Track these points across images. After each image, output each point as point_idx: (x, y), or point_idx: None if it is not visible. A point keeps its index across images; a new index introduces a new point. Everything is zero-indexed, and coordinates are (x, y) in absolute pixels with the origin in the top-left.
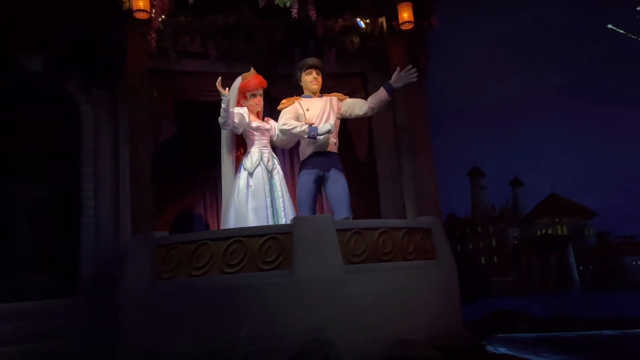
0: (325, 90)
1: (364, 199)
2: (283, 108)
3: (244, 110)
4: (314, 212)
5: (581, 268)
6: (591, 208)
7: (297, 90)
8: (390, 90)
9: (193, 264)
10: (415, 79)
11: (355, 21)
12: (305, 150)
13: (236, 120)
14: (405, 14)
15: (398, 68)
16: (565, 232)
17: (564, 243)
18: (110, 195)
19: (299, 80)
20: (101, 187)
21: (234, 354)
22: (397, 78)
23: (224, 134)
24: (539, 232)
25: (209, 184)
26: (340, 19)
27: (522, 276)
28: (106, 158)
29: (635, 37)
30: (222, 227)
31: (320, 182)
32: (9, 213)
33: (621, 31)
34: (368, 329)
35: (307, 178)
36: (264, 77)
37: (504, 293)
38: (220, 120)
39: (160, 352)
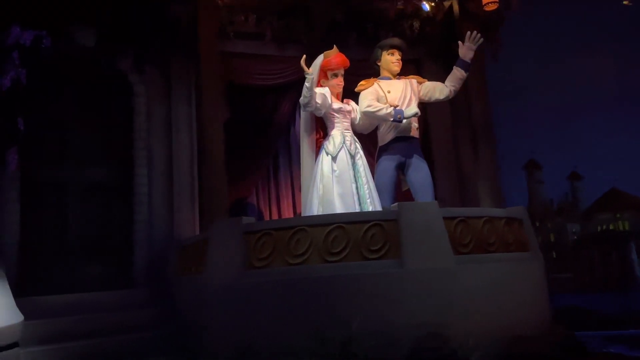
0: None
1: None
2: (362, 90)
3: (325, 91)
4: (395, 200)
5: None
6: None
7: (353, 76)
8: (465, 66)
9: (290, 251)
10: (482, 41)
11: (420, 4)
12: (386, 135)
13: (319, 101)
14: None
15: (460, 43)
16: (626, 227)
17: (625, 239)
18: (164, 180)
19: (377, 59)
20: (154, 172)
21: (351, 349)
22: (466, 50)
23: (304, 116)
24: (599, 228)
25: (262, 173)
26: (402, 2)
27: (582, 273)
28: (160, 141)
29: None
30: (303, 214)
31: (401, 169)
32: (61, 197)
33: None
34: (481, 323)
35: (388, 164)
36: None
37: (563, 290)
38: (303, 100)
39: (257, 348)
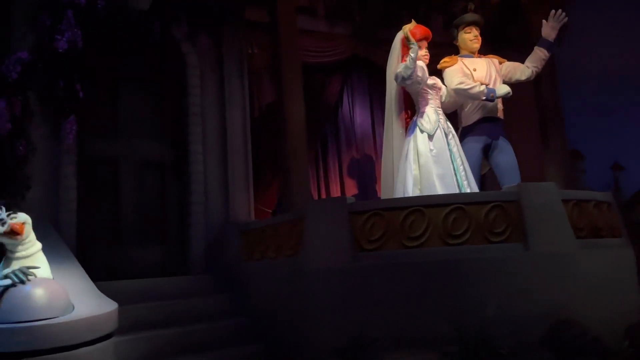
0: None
1: None
2: (447, 67)
3: (422, 65)
4: (481, 182)
5: None
6: None
7: None
8: (548, 46)
9: (406, 233)
10: (566, 20)
11: None
12: (472, 115)
13: (419, 74)
14: None
15: (543, 21)
16: None
17: None
18: (218, 159)
19: (454, 39)
20: (209, 150)
21: (487, 338)
22: (550, 29)
23: (394, 92)
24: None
25: (311, 156)
26: None
27: None
28: (213, 116)
29: None
30: (388, 196)
31: (486, 151)
32: (114, 174)
33: None
34: (605, 310)
35: (474, 145)
36: (366, 42)
37: None
38: (406, 72)
39: (372, 336)
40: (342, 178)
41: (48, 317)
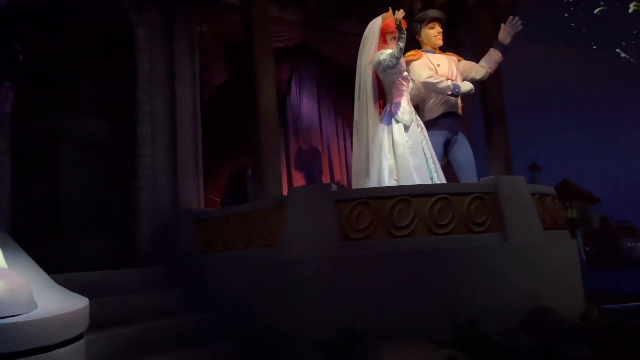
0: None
1: None
2: (413, 60)
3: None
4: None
5: (587, 249)
6: (595, 195)
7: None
8: (503, 49)
9: (394, 222)
10: (521, 27)
11: None
12: (435, 110)
13: (403, 65)
14: None
15: (502, 25)
16: (574, 215)
17: (574, 226)
18: (167, 142)
19: (417, 34)
20: (158, 131)
21: (477, 325)
22: (506, 33)
23: (370, 80)
24: None
25: None
26: None
27: None
28: (162, 96)
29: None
30: (360, 186)
31: (446, 145)
32: (52, 152)
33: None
34: (565, 296)
35: (437, 139)
36: (317, 31)
37: None
38: (392, 61)
39: (361, 327)
40: (290, 169)
41: (9, 314)
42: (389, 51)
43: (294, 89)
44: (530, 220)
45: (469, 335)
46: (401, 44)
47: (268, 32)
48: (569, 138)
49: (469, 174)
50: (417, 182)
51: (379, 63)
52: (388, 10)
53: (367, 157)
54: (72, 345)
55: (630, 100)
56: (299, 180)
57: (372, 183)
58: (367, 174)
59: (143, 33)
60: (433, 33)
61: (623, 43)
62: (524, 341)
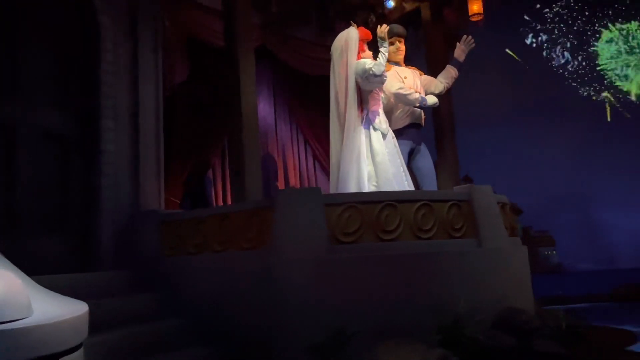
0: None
1: None
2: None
3: None
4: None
5: None
6: (519, 206)
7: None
8: (458, 65)
9: (382, 226)
10: (474, 45)
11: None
12: (400, 120)
13: (385, 74)
14: (475, 6)
15: (457, 44)
16: None
17: None
18: (129, 139)
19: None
20: (120, 127)
21: (462, 326)
22: (461, 51)
23: (353, 87)
24: None
25: (219, 145)
26: None
27: None
28: (125, 89)
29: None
30: (337, 191)
31: (410, 154)
32: (7, 144)
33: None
34: (524, 299)
35: (404, 149)
36: (276, 35)
37: None
38: (379, 70)
39: (352, 329)
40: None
41: (8, 319)
42: (370, 60)
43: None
44: (499, 227)
45: (454, 335)
46: (386, 54)
47: (250, 37)
48: (494, 151)
49: (430, 183)
50: (396, 189)
51: (364, 71)
52: (348, 21)
53: (347, 162)
54: (77, 353)
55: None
56: None
57: (351, 188)
58: (345, 179)
59: (107, 22)
60: (392, 49)
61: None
62: (501, 339)
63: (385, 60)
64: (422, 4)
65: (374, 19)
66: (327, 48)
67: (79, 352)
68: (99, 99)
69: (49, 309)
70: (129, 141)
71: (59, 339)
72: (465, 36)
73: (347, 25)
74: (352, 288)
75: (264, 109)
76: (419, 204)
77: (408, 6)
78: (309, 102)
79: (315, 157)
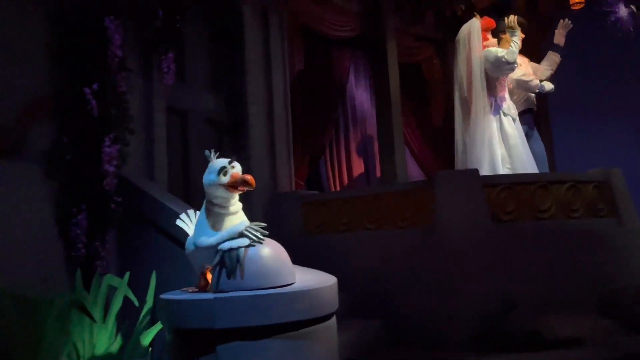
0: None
1: (439, 167)
2: None
3: None
4: None
5: None
6: None
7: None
8: (559, 50)
9: (537, 206)
10: (572, 26)
11: None
12: (518, 106)
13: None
14: None
15: (556, 30)
16: None
17: None
18: (266, 124)
19: (502, 32)
20: (261, 112)
21: (619, 300)
22: (560, 36)
23: (480, 74)
24: None
25: (331, 131)
26: None
27: None
28: (262, 78)
29: None
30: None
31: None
32: (181, 128)
33: None
34: None
35: None
36: (374, 24)
37: None
38: (511, 58)
39: (517, 302)
40: (350, 157)
41: (282, 283)
42: (501, 49)
43: (352, 79)
44: (633, 208)
45: (613, 306)
46: (518, 41)
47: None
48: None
49: (543, 168)
50: (530, 170)
51: (496, 59)
52: (437, 10)
53: (478, 147)
54: (332, 320)
55: None
56: (357, 168)
57: (484, 172)
58: (477, 163)
59: (248, 12)
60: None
61: None
62: None
63: (518, 49)
64: None
65: (463, 7)
66: (416, 37)
67: (333, 320)
68: (245, 85)
69: (302, 277)
70: (266, 125)
71: (322, 304)
72: (562, 20)
73: (431, 14)
74: (514, 264)
75: (362, 95)
76: (567, 184)
77: None
78: (401, 90)
79: (406, 143)
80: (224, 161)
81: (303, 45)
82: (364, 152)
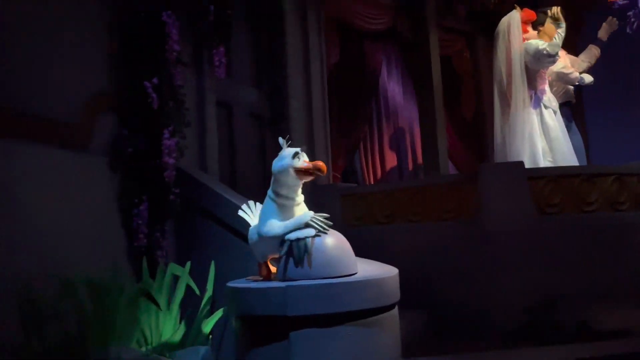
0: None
1: (469, 160)
2: None
3: None
4: None
5: None
6: None
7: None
8: (601, 45)
9: (583, 199)
10: (617, 27)
11: None
12: (557, 98)
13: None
14: None
15: (603, 24)
16: None
17: None
18: (306, 118)
19: (541, 24)
20: (300, 107)
21: None
22: (605, 31)
23: (520, 68)
24: None
25: (365, 124)
26: None
27: None
28: (301, 72)
29: None
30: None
31: None
32: (227, 120)
33: None
34: None
35: None
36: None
37: None
38: (554, 50)
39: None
40: (383, 150)
41: (346, 273)
42: (542, 41)
43: (384, 72)
44: None
45: None
46: (563, 34)
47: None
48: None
49: (582, 159)
50: (572, 163)
51: (537, 51)
52: (466, 4)
53: (519, 140)
54: (394, 310)
55: None
56: (390, 161)
57: (525, 165)
58: (517, 156)
59: (287, 7)
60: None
61: None
62: None
63: (561, 41)
64: None
65: (495, 1)
66: (447, 30)
67: (396, 310)
68: (285, 79)
69: (363, 267)
70: (305, 119)
71: (387, 293)
72: (610, 17)
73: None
74: (559, 256)
75: (394, 88)
76: (612, 177)
77: None
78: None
79: None
80: (295, 149)
81: (338, 39)
82: (397, 145)
